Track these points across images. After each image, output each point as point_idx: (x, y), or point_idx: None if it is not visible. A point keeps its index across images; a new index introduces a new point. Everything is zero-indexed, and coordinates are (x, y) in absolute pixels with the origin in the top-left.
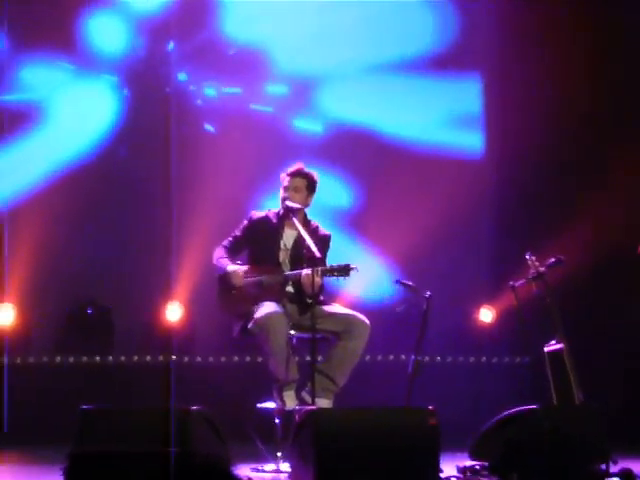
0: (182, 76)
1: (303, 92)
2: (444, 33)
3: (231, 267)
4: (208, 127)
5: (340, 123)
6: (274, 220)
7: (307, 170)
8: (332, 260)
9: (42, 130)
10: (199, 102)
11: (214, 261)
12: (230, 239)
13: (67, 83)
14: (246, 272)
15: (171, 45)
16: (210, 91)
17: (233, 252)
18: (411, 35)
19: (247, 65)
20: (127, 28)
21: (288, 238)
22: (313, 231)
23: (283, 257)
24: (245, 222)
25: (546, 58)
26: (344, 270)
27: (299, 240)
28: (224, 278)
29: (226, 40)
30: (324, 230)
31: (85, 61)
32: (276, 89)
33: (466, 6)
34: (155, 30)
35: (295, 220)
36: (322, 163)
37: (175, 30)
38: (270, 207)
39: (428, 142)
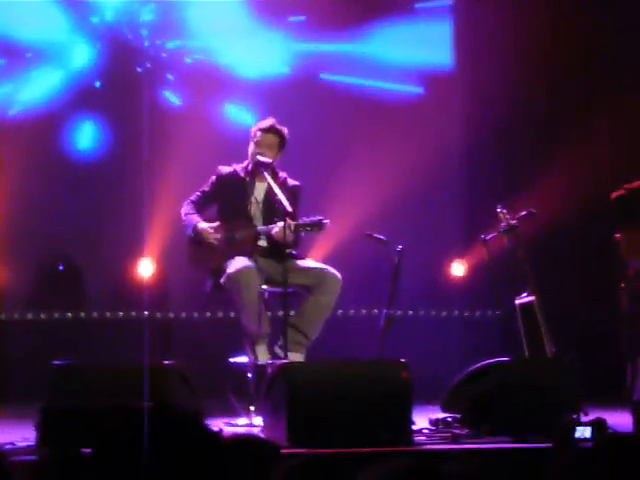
0: (145, 32)
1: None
2: None
3: (201, 225)
4: (170, 77)
5: (310, 72)
6: (242, 174)
7: (279, 127)
8: (306, 210)
9: (17, 74)
10: (164, 55)
11: (182, 217)
12: (198, 194)
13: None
14: (216, 228)
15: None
16: (171, 45)
17: (201, 207)
18: None
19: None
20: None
21: (259, 192)
22: (282, 183)
23: (254, 211)
24: (213, 177)
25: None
26: (317, 225)
27: (270, 193)
28: (194, 235)
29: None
30: (293, 181)
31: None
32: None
33: None
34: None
35: (266, 174)
36: (289, 114)
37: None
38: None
39: (398, 92)
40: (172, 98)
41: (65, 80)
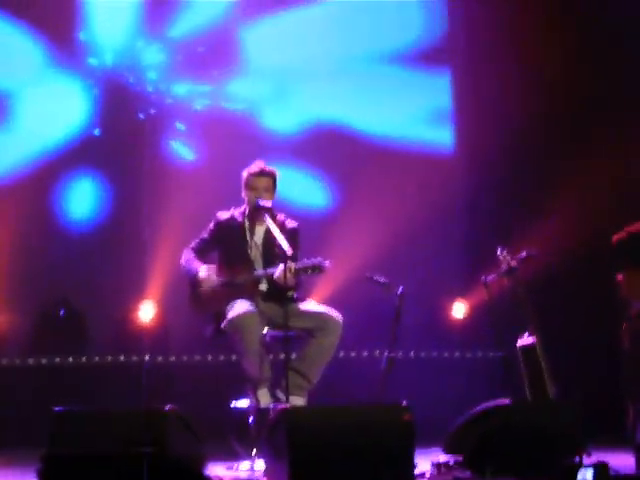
0: (151, 75)
1: (275, 90)
2: (414, 29)
3: (202, 272)
4: (179, 126)
5: (310, 120)
6: (240, 219)
7: (270, 168)
8: (306, 252)
9: (11, 126)
10: (169, 101)
11: (183, 264)
12: (197, 241)
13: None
14: (217, 273)
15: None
16: (180, 89)
17: (201, 254)
18: (381, 32)
19: (217, 64)
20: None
21: (258, 235)
22: (281, 225)
23: (254, 254)
24: (212, 224)
25: (516, 49)
26: (317, 267)
27: (269, 236)
28: (196, 281)
29: (196, 39)
30: (291, 222)
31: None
32: (247, 87)
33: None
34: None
35: (266, 217)
36: (294, 160)
37: (145, 28)
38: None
39: (399, 138)
40: (177, 147)
41: (60, 129)
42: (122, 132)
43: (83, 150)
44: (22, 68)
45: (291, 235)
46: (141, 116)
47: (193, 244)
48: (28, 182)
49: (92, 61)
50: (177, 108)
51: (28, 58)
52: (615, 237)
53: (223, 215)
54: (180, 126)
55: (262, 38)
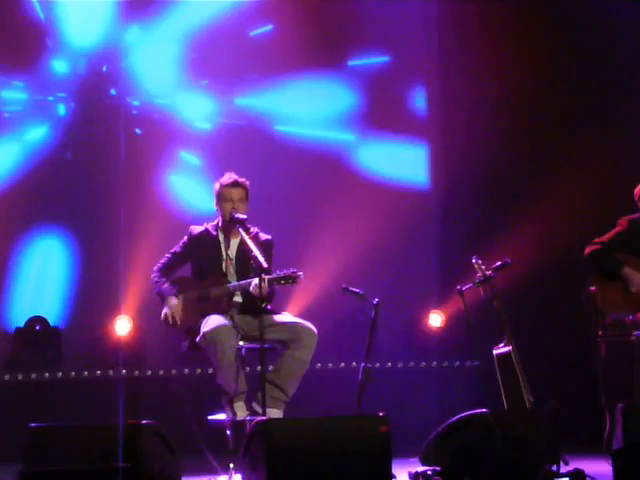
0: (113, 91)
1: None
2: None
3: (171, 302)
4: (137, 131)
5: (260, 126)
6: (214, 232)
7: (242, 180)
8: (280, 265)
9: None
10: (134, 112)
11: (153, 284)
12: (169, 256)
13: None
14: (192, 289)
15: (105, 68)
16: (136, 102)
17: (172, 269)
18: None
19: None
20: (71, 56)
21: (232, 248)
22: (254, 237)
23: (228, 267)
24: (185, 238)
25: (488, 59)
26: (291, 278)
27: (243, 248)
28: (165, 305)
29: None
30: (264, 235)
31: (38, 82)
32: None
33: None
34: (93, 57)
35: (241, 230)
36: (264, 175)
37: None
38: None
39: (373, 148)
40: (144, 153)
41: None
42: (95, 148)
43: (56, 170)
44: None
45: (265, 248)
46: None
47: (164, 259)
48: (6, 196)
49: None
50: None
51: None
52: (587, 249)
53: (196, 229)
54: (137, 131)
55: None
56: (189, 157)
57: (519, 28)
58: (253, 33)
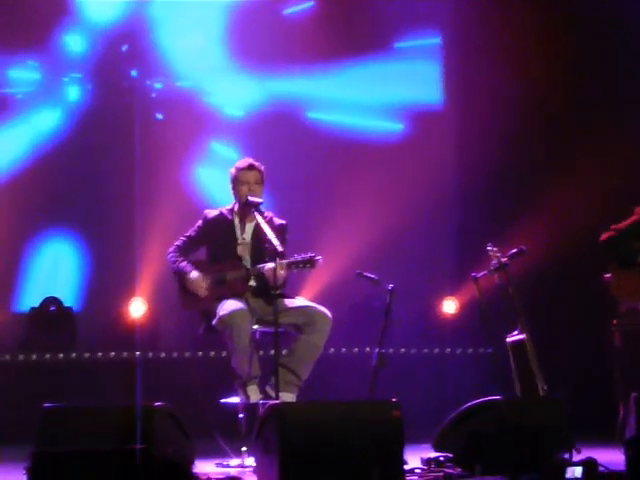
0: (134, 73)
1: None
2: (400, 22)
3: (193, 275)
4: (159, 116)
5: (296, 110)
6: (229, 216)
7: (257, 163)
8: (295, 250)
9: (6, 125)
10: (153, 95)
11: (171, 264)
12: (184, 239)
13: (37, 80)
14: (208, 273)
15: (124, 47)
16: (159, 85)
17: (187, 252)
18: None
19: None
20: (89, 34)
21: (247, 232)
22: (268, 222)
23: (243, 251)
24: (200, 222)
25: (507, 47)
26: (308, 262)
27: (258, 232)
28: (186, 284)
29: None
30: (279, 220)
31: (53, 62)
32: (219, 81)
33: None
34: (111, 36)
35: (256, 214)
36: (278, 157)
37: (128, 36)
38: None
39: (390, 133)
40: (163, 139)
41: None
42: (111, 125)
43: (72, 150)
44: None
45: (279, 232)
46: (128, 100)
47: (179, 242)
48: (19, 182)
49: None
50: (160, 101)
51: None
52: (603, 236)
53: (211, 213)
54: (159, 116)
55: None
56: (212, 143)
57: (541, 17)
58: (288, 11)
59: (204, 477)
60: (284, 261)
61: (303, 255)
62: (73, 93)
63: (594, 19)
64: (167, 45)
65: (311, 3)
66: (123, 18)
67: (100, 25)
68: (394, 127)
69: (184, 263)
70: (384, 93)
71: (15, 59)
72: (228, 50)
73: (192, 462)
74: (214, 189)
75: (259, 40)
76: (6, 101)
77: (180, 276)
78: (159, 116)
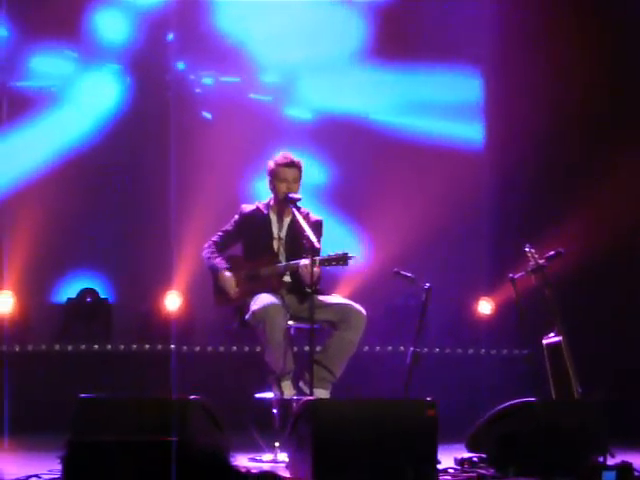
0: (181, 65)
1: (297, 82)
2: (445, 24)
3: (225, 274)
4: (206, 115)
5: (338, 113)
6: (265, 211)
7: (297, 159)
8: (330, 247)
9: (45, 118)
10: (198, 90)
11: (205, 260)
12: (220, 234)
13: (73, 72)
14: (242, 268)
15: (170, 36)
16: (208, 80)
17: (223, 247)
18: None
19: (240, 57)
20: (130, 20)
21: (283, 227)
22: (305, 218)
23: (277, 246)
24: (236, 217)
25: (547, 48)
26: (342, 259)
27: (294, 228)
28: (217, 281)
29: (220, 34)
30: (315, 216)
31: (90, 51)
32: (269, 79)
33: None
34: (155, 22)
35: (294, 210)
36: (319, 152)
37: (174, 22)
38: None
39: (428, 132)
40: (204, 134)
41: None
42: (151, 120)
43: (112, 143)
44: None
45: (316, 228)
46: (169, 95)
47: (215, 237)
48: (58, 175)
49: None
50: (205, 97)
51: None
52: None
53: (248, 207)
54: (207, 115)
55: (279, 33)
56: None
57: (583, 18)
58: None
59: (243, 469)
60: (317, 258)
61: (336, 252)
62: (111, 86)
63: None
64: (220, 33)
65: None
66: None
67: (142, 9)
68: (438, 130)
69: (218, 259)
70: (420, 92)
71: (48, 48)
72: (288, 45)
73: (228, 454)
74: (252, 186)
75: (324, 34)
76: None
77: (213, 273)
78: (207, 115)
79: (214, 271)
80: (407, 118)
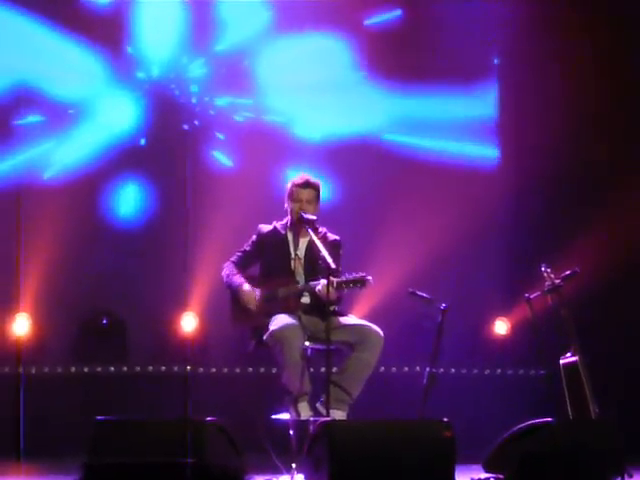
0: (194, 88)
1: (308, 103)
2: (458, 42)
3: (245, 288)
4: (219, 135)
5: (351, 133)
6: (282, 231)
7: (315, 180)
8: (347, 268)
9: (64, 138)
10: (212, 112)
11: (225, 279)
12: (239, 254)
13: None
14: (260, 288)
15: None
16: (222, 102)
17: (242, 267)
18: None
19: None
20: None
21: (300, 248)
22: (322, 238)
23: (296, 267)
24: (254, 237)
25: (562, 67)
26: (359, 281)
27: (311, 248)
28: (238, 297)
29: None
30: (333, 235)
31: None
32: (280, 104)
33: (481, 14)
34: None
35: (310, 230)
36: (333, 174)
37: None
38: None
39: (443, 152)
40: (219, 156)
41: (109, 138)
42: (167, 143)
43: (128, 160)
44: (79, 81)
45: (333, 248)
46: (185, 127)
47: (234, 257)
48: (72, 192)
49: (140, 74)
50: (219, 120)
51: (84, 72)
52: None
53: (265, 227)
54: (220, 136)
55: (294, 54)
56: (266, 163)
57: (595, 24)
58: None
59: None
60: (334, 279)
61: (354, 274)
62: (125, 109)
63: None
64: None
65: (398, 12)
66: (182, 20)
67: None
68: (446, 145)
69: (237, 276)
70: (438, 109)
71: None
72: (300, 63)
73: (244, 476)
74: (268, 205)
75: (336, 54)
76: None
77: (232, 290)
78: (220, 136)
79: (234, 287)
80: (421, 138)
